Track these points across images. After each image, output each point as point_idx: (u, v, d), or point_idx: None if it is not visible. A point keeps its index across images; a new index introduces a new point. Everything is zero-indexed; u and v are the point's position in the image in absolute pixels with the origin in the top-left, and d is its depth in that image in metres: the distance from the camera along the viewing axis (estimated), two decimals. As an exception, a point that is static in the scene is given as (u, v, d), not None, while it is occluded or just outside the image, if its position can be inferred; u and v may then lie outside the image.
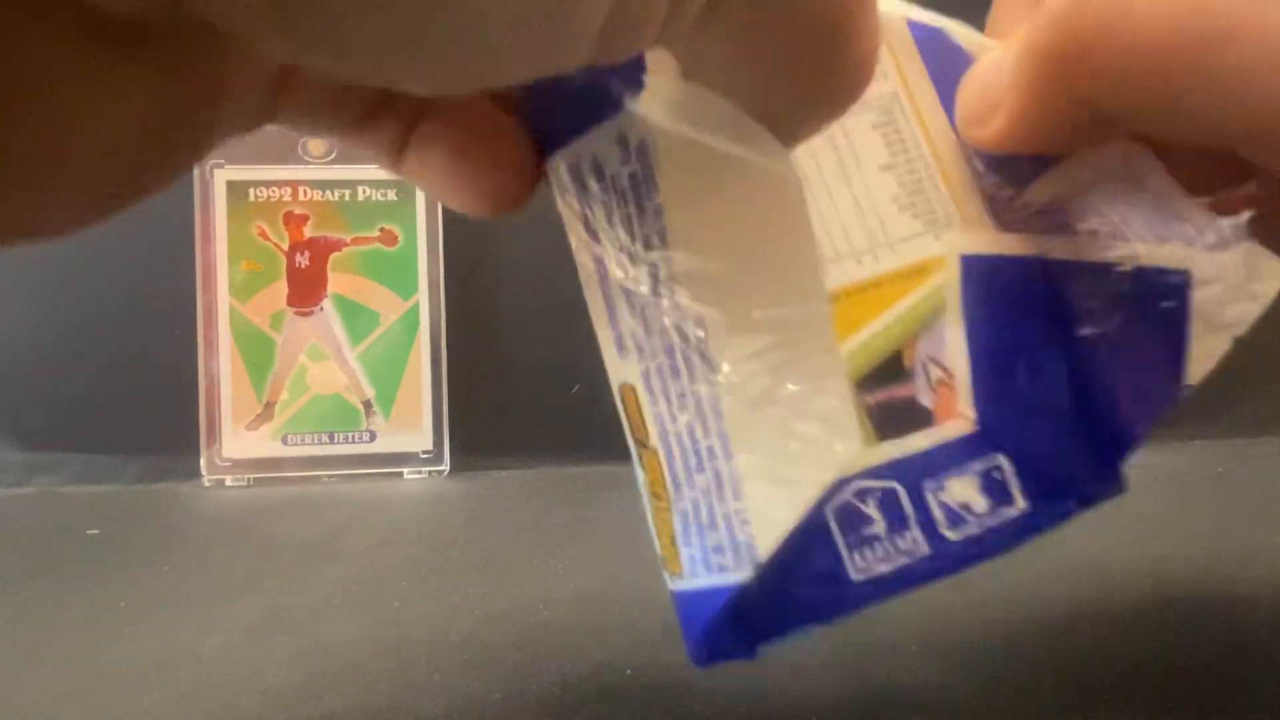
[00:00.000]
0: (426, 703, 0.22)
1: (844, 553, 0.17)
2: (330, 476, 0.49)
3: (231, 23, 0.09)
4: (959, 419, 0.18)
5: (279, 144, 0.49)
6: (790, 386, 0.15)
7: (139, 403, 0.50)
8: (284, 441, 0.49)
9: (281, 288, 0.49)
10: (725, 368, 0.16)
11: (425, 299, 0.50)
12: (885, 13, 0.18)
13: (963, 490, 0.17)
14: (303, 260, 0.50)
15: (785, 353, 0.15)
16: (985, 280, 0.18)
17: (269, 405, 0.49)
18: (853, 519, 0.17)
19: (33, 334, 0.51)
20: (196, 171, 0.49)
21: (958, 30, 0.19)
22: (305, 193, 0.50)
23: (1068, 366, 0.18)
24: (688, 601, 0.17)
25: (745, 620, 0.16)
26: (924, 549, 0.17)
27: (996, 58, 0.18)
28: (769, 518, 0.15)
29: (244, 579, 0.32)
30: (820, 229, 0.18)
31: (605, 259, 0.17)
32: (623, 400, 0.17)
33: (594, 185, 0.17)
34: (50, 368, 0.51)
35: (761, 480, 0.15)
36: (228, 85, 0.13)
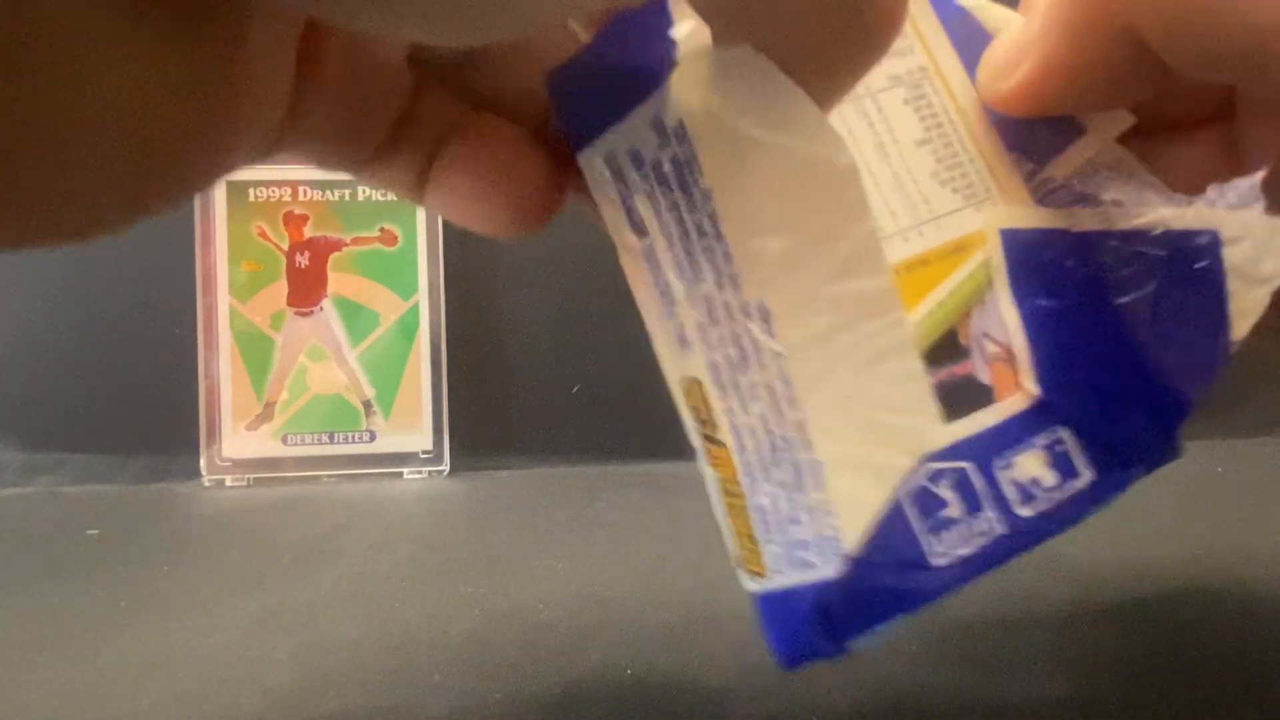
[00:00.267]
0: (426, 703, 0.22)
1: (924, 538, 0.17)
2: (330, 476, 0.49)
3: None
4: (1020, 394, 0.18)
5: (279, 144, 0.49)
6: (862, 367, 0.15)
7: (139, 403, 0.50)
8: (284, 441, 0.49)
9: (281, 288, 0.49)
10: (794, 353, 0.15)
11: (425, 299, 0.50)
12: None
13: (1031, 465, 0.17)
14: (303, 260, 0.50)
15: (854, 333, 0.15)
16: (1026, 253, 0.18)
17: (269, 405, 0.49)
18: (928, 503, 0.17)
19: (33, 334, 0.51)
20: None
21: (982, 6, 0.19)
22: (305, 193, 0.50)
23: (1116, 335, 0.18)
24: (772, 603, 0.16)
25: (833, 617, 0.16)
26: (1001, 528, 0.17)
27: (1023, 21, 0.18)
28: (854, 506, 0.15)
29: (243, 579, 0.32)
30: None
31: (657, 250, 0.16)
32: (686, 395, 0.17)
33: (634, 175, 0.16)
34: (50, 368, 0.51)
35: (843, 467, 0.15)
36: (245, 76, 0.12)
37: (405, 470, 0.49)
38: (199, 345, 0.48)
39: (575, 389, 0.51)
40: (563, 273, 0.52)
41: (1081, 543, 0.31)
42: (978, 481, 0.17)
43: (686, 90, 0.15)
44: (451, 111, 0.19)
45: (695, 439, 0.17)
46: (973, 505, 0.17)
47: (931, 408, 0.14)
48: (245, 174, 0.49)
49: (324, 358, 0.50)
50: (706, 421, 0.17)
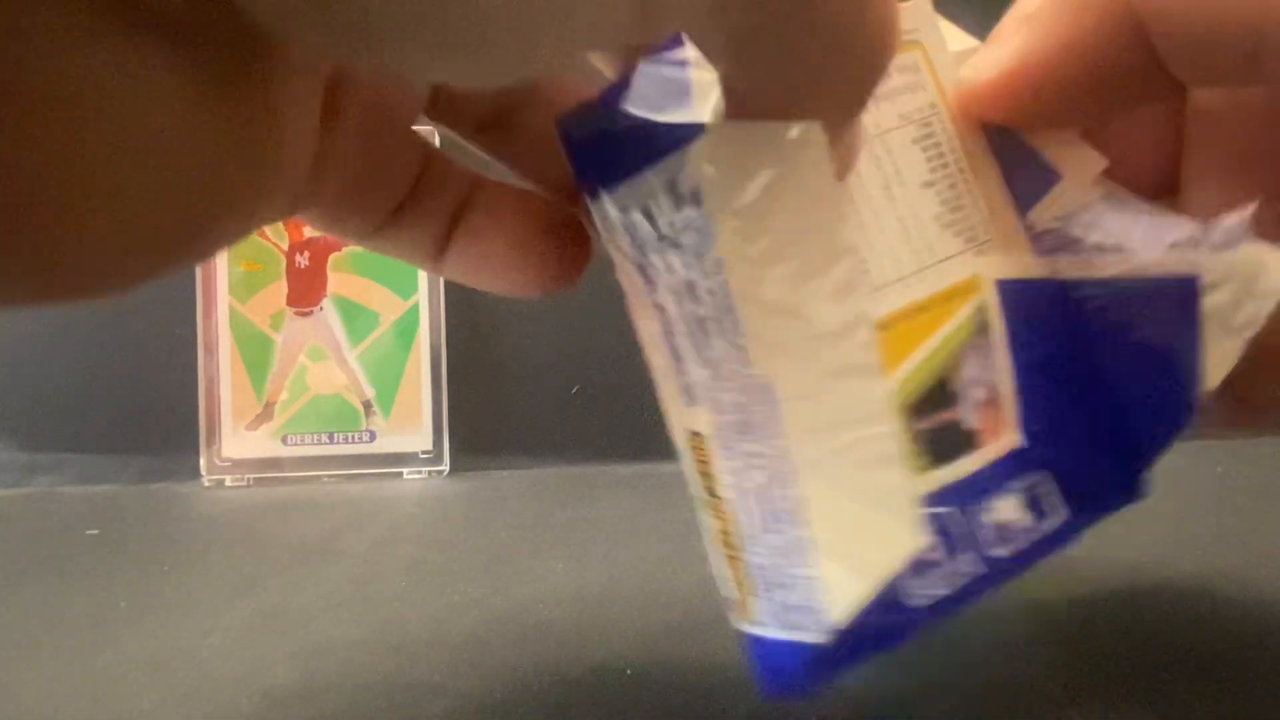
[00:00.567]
0: (426, 703, 0.22)
1: (906, 581, 0.17)
2: (330, 476, 0.49)
3: (270, 13, 0.09)
4: (1003, 439, 0.18)
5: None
6: (857, 467, 0.15)
7: (139, 403, 0.50)
8: (284, 441, 0.49)
9: (281, 288, 0.49)
10: (795, 437, 0.15)
11: (425, 299, 0.50)
12: (922, 20, 0.18)
13: (1010, 509, 0.18)
14: (302, 260, 0.50)
15: (851, 435, 0.15)
16: (1018, 302, 0.18)
17: (269, 405, 0.49)
18: None
19: (32, 334, 0.51)
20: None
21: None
22: (305, 193, 0.50)
23: (1096, 383, 0.18)
24: (759, 643, 0.17)
25: (817, 665, 0.16)
26: (979, 568, 0.18)
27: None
28: (842, 591, 0.15)
29: (243, 579, 0.32)
30: (870, 257, 0.18)
31: (666, 307, 0.16)
32: (690, 448, 0.17)
33: (646, 232, 0.16)
34: (50, 368, 0.51)
35: (834, 554, 0.15)
36: (274, 135, 0.12)
37: (405, 470, 0.49)
38: (199, 345, 0.48)
39: (575, 389, 0.51)
40: (563, 273, 0.52)
41: (1082, 543, 0.31)
42: (959, 526, 0.18)
43: (706, 159, 0.15)
44: (468, 179, 0.18)
45: (695, 488, 0.17)
46: (953, 548, 0.17)
47: (915, 517, 0.14)
48: (245, 174, 0.49)
49: (324, 358, 0.50)
50: (708, 475, 0.17)
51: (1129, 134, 0.19)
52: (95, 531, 0.39)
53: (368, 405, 0.49)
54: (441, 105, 0.18)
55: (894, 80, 0.18)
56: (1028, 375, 0.18)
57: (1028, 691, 0.21)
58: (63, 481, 0.49)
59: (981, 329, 0.18)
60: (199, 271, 0.49)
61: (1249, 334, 0.17)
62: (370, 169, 0.17)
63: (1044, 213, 0.18)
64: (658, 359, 0.17)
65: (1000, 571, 0.18)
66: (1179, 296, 0.17)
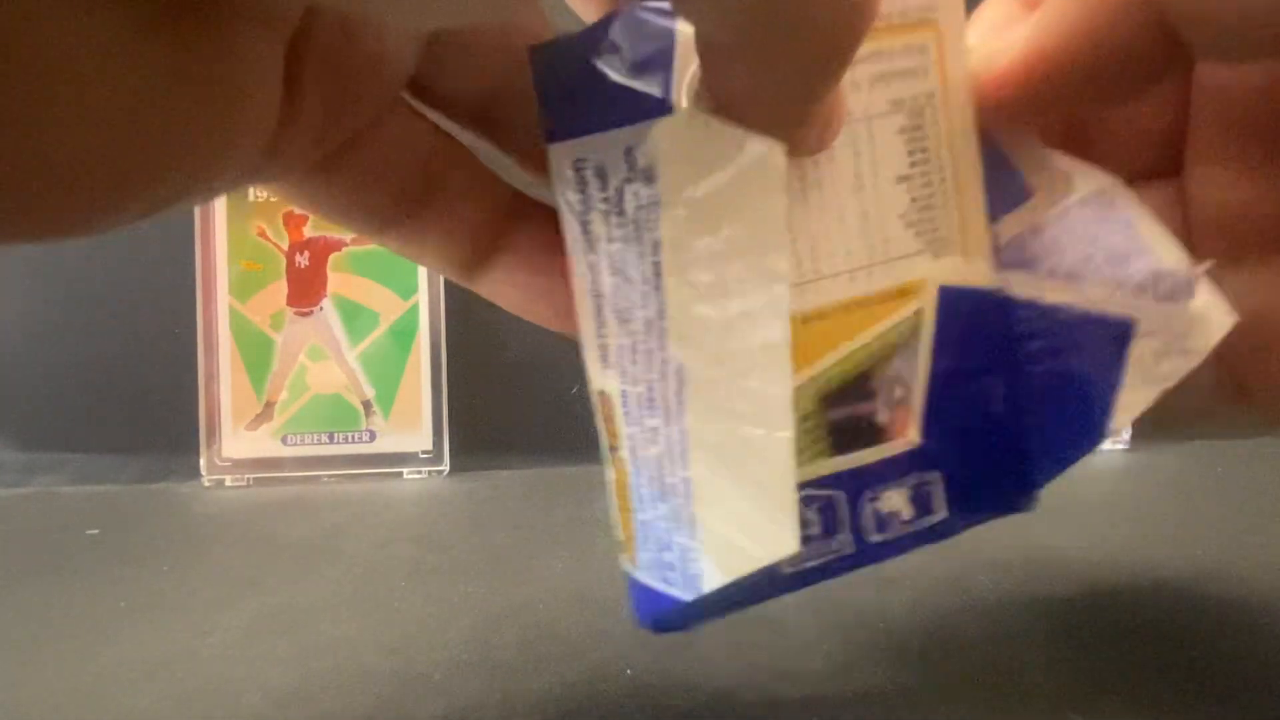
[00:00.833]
0: (426, 703, 0.22)
1: None
2: (330, 476, 0.48)
3: None
4: (905, 436, 0.18)
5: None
6: (747, 465, 0.15)
7: (139, 403, 0.50)
8: (284, 441, 0.49)
9: (281, 287, 0.49)
10: (695, 423, 0.16)
11: (425, 299, 0.50)
12: (945, 4, 0.17)
13: (895, 501, 0.19)
14: (302, 260, 0.50)
15: (748, 433, 0.15)
16: (957, 311, 0.18)
17: (269, 405, 0.49)
18: None
19: (32, 334, 0.51)
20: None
21: None
22: (305, 193, 0.50)
23: (1008, 397, 0.19)
24: (637, 586, 0.18)
25: (688, 612, 0.17)
26: (850, 549, 0.18)
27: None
28: (720, 566, 0.16)
29: (244, 579, 0.32)
30: (824, 244, 0.17)
31: (599, 268, 0.16)
32: (599, 404, 0.18)
33: (596, 191, 0.16)
34: (50, 368, 0.51)
35: (716, 535, 0.16)
36: (230, 81, 0.12)
37: (405, 470, 0.49)
38: (199, 345, 0.48)
39: (575, 389, 0.51)
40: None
41: (1082, 543, 0.31)
42: (843, 510, 0.18)
43: (670, 140, 0.15)
44: (509, 194, 0.18)
45: (602, 439, 0.18)
46: (830, 528, 0.18)
47: (795, 529, 0.15)
48: (245, 174, 0.49)
49: (324, 358, 0.50)
50: (612, 434, 0.17)
51: (1132, 115, 0.19)
52: (95, 531, 0.39)
53: (367, 405, 0.49)
54: (434, 91, 0.18)
55: (897, 61, 0.17)
56: (942, 380, 0.18)
57: (1028, 691, 0.21)
58: (63, 481, 0.49)
59: (916, 331, 0.18)
60: (199, 271, 0.49)
61: (1167, 385, 0.18)
62: (354, 147, 0.16)
63: (1012, 226, 0.18)
64: (583, 313, 0.17)
65: (870, 556, 0.19)
66: (1111, 336, 0.18)
